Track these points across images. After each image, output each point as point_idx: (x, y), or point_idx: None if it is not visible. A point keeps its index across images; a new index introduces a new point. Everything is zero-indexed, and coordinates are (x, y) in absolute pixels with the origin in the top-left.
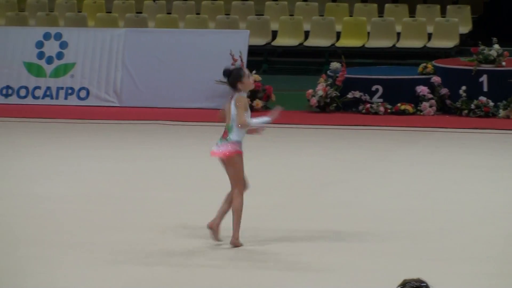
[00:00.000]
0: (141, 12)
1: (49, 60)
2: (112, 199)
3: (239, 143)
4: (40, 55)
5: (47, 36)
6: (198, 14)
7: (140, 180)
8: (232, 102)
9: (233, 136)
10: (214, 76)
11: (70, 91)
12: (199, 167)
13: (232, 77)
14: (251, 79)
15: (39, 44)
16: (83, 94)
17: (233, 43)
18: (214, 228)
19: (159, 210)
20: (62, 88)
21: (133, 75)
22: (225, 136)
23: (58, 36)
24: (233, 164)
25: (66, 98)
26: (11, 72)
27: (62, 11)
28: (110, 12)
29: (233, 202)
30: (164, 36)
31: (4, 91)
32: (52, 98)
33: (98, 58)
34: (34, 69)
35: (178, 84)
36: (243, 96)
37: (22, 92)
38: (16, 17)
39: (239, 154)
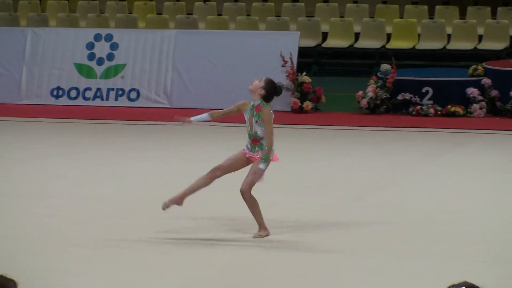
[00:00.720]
0: (191, 14)
1: (100, 61)
2: (161, 201)
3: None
4: (91, 56)
5: (97, 37)
6: (248, 15)
7: (190, 182)
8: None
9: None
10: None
11: (120, 92)
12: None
13: None
14: (253, 84)
15: (90, 46)
16: (133, 95)
17: (284, 44)
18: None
19: (211, 212)
20: (112, 89)
21: (183, 76)
22: (257, 143)
23: (108, 38)
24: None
25: (116, 99)
26: (61, 73)
27: (112, 13)
28: (161, 14)
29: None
30: (215, 37)
31: (55, 92)
32: (102, 99)
33: (148, 59)
34: (84, 70)
35: (228, 86)
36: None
37: (73, 93)
38: (67, 18)
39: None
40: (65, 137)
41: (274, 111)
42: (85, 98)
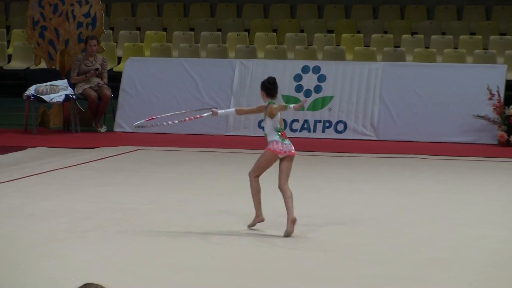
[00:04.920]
0: (399, 46)
1: (307, 93)
2: (369, 233)
3: None
4: (298, 88)
5: (305, 69)
6: (456, 48)
7: (400, 214)
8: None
9: None
10: (471, 110)
11: (327, 124)
12: (458, 202)
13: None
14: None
15: (298, 77)
16: (340, 127)
17: (490, 77)
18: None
19: (417, 245)
20: (319, 121)
21: (390, 109)
22: (285, 136)
23: (316, 70)
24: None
25: (323, 131)
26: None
27: (320, 45)
28: (368, 46)
29: (288, 191)
30: (422, 70)
31: (262, 124)
32: (309, 131)
33: (355, 91)
34: (292, 102)
35: (435, 118)
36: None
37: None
38: (275, 50)
39: None
40: (273, 168)
41: (480, 143)
42: (292, 130)
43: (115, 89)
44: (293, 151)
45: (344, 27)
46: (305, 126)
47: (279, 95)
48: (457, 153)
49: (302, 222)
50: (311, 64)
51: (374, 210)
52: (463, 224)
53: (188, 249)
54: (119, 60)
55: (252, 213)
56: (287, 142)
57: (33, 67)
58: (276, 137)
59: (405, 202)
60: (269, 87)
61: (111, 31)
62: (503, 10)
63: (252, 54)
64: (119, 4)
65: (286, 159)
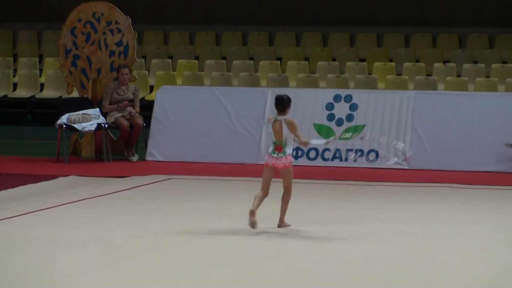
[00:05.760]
0: (431, 75)
1: (339, 122)
2: (401, 262)
3: (292, 156)
4: (330, 117)
5: (337, 98)
6: (487, 77)
7: (431, 243)
8: (284, 124)
9: (289, 150)
10: (503, 139)
11: (359, 153)
12: (490, 231)
13: (286, 102)
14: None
15: (329, 106)
16: (372, 156)
17: None
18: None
19: (449, 275)
20: (351, 150)
21: (422, 137)
22: (280, 150)
23: (348, 98)
24: (290, 173)
25: (355, 160)
26: (302, 134)
27: (352, 73)
28: (400, 75)
29: (288, 196)
30: (454, 98)
31: (293, 153)
32: (341, 160)
33: (387, 120)
34: (324, 131)
35: (466, 147)
36: (292, 118)
37: (312, 154)
38: (307, 79)
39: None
40: (306, 196)
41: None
42: (324, 159)
43: (147, 118)
44: (277, 165)
45: (376, 55)
46: (337, 155)
47: (310, 124)
48: (489, 182)
49: (332, 250)
50: (343, 92)
51: (406, 238)
52: (495, 253)
53: (221, 279)
54: (151, 88)
55: (280, 241)
56: (275, 155)
57: (65, 95)
58: (270, 149)
59: (436, 231)
60: (275, 103)
61: (143, 60)
62: None
63: (284, 83)
64: (152, 33)
65: (282, 171)
